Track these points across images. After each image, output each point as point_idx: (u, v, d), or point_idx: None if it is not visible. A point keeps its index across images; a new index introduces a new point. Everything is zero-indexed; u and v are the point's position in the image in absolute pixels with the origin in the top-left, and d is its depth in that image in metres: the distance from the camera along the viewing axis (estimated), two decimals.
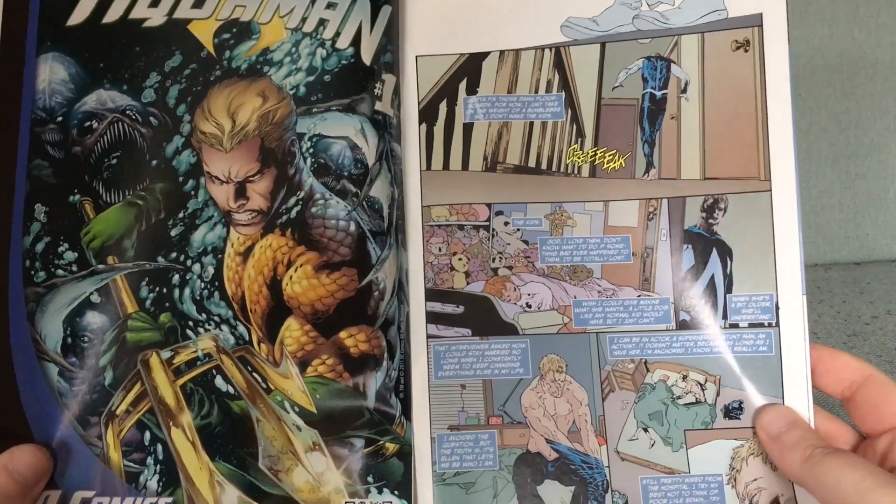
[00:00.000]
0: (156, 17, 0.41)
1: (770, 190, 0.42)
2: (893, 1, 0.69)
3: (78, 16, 0.40)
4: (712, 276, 0.43)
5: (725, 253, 0.43)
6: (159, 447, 0.39)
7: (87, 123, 0.40)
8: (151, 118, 0.41)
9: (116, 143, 0.40)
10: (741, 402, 0.42)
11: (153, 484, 0.39)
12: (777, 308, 0.42)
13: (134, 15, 0.41)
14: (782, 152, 0.42)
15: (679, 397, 0.42)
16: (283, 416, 0.40)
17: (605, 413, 0.42)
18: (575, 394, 0.42)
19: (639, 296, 0.43)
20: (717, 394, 0.42)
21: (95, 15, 0.41)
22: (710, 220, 0.43)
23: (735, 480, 0.41)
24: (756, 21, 0.43)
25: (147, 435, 0.39)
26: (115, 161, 0.40)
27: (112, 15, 0.41)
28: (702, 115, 0.43)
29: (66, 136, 0.40)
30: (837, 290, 0.69)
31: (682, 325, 0.43)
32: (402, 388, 0.42)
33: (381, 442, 0.41)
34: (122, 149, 0.40)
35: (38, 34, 0.40)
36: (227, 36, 0.41)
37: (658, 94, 0.44)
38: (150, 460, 0.39)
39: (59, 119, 0.40)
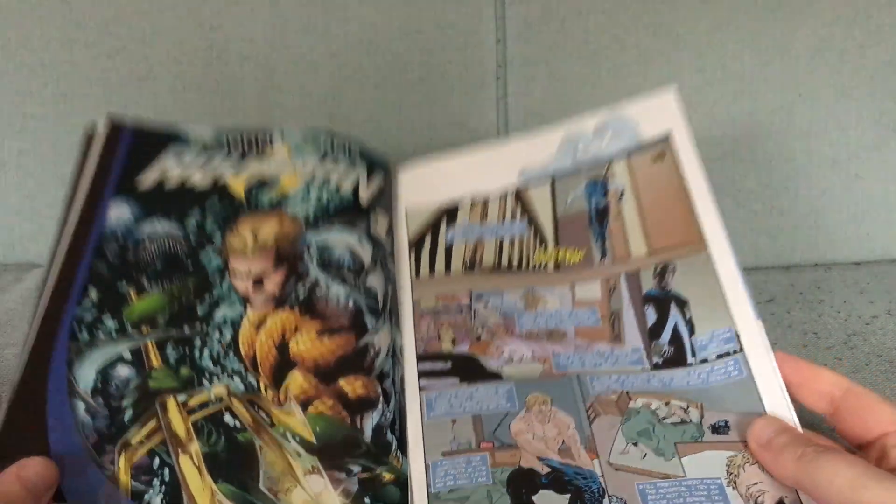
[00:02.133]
0: (203, 182, 0.54)
1: (707, 250, 0.49)
2: (893, 1, 0.72)
3: (146, 181, 0.53)
4: (675, 325, 0.48)
5: (682, 304, 0.48)
6: (167, 470, 0.41)
7: (141, 241, 0.50)
8: (191, 237, 0.51)
9: (161, 254, 0.50)
10: (727, 421, 0.43)
11: (157, 502, 0.40)
12: (738, 336, 0.46)
13: (189, 185, 0.54)
14: (710, 222, 0.50)
15: (665, 417, 0.44)
16: (285, 445, 0.42)
17: (594, 433, 0.43)
18: (562, 420, 0.44)
19: (612, 349, 0.47)
20: (702, 416, 0.44)
21: (159, 183, 0.53)
22: (663, 283, 0.49)
23: (735, 483, 0.41)
24: (666, 136, 0.54)
25: (156, 461, 0.41)
26: (158, 265, 0.49)
27: (171, 184, 0.54)
28: (639, 210, 0.52)
29: (123, 248, 0.50)
30: (837, 290, 0.66)
31: (656, 367, 0.46)
32: (397, 427, 0.44)
33: (377, 471, 0.42)
34: (165, 259, 0.50)
35: (115, 188, 0.52)
36: (254, 187, 0.54)
37: (601, 203, 0.53)
38: (156, 481, 0.40)
39: (119, 238, 0.50)
